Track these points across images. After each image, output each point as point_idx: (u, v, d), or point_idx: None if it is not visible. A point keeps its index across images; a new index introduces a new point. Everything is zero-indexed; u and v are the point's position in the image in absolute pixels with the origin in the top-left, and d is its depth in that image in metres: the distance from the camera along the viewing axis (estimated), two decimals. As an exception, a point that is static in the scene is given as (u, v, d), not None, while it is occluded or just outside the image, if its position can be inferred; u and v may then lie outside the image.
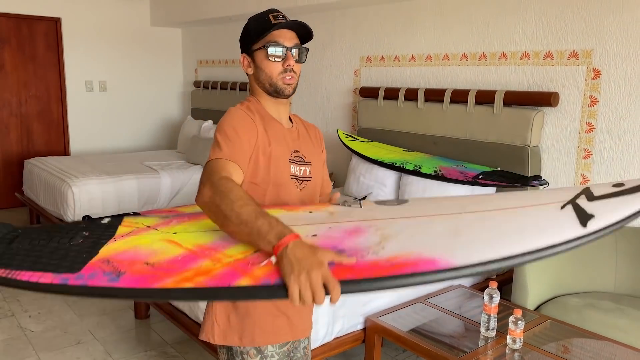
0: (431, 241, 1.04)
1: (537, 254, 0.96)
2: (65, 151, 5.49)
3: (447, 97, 3.28)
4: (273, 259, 1.03)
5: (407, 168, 3.14)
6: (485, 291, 2.12)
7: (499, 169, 2.98)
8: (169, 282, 1.00)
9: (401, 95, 3.55)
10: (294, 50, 1.43)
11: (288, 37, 1.42)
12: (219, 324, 1.42)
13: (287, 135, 1.48)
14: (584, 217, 1.03)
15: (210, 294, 1.01)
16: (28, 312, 3.25)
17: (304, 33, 1.46)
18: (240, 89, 5.02)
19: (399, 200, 1.33)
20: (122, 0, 5.58)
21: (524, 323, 2.02)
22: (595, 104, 2.78)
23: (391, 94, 3.64)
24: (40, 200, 4.39)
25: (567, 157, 2.92)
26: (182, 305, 2.52)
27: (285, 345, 1.45)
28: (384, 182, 3.34)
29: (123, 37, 5.66)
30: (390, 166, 3.25)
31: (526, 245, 0.97)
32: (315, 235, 1.12)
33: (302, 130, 1.57)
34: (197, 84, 5.74)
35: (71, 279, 1.04)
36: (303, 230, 1.12)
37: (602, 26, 2.72)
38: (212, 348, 2.44)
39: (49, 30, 5.26)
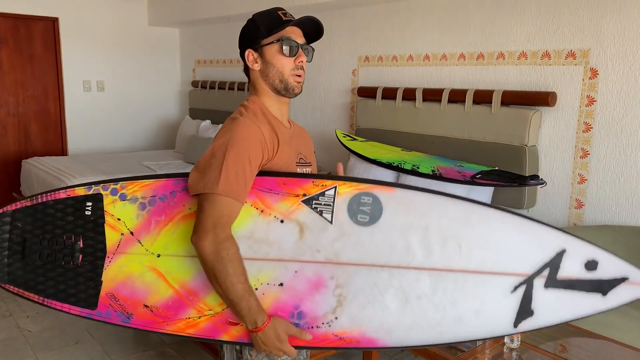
0: (377, 318, 1.27)
1: (456, 344, 1.18)
2: (63, 151, 5.48)
3: (444, 96, 3.29)
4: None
5: (405, 168, 3.14)
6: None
7: (496, 168, 2.99)
8: (169, 329, 1.36)
9: (399, 95, 3.55)
10: (304, 48, 1.43)
11: (298, 35, 1.43)
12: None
13: (291, 137, 1.47)
14: (522, 312, 1.20)
15: (202, 339, 1.38)
16: (26, 312, 3.24)
17: (312, 32, 1.46)
18: (238, 89, 5.01)
19: (373, 215, 1.29)
20: (119, 0, 5.57)
21: (521, 322, 2.03)
22: (593, 104, 2.79)
23: (389, 93, 3.64)
24: (38, 200, 4.37)
25: (564, 156, 2.93)
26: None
27: None
28: (382, 182, 3.34)
29: (121, 37, 5.65)
30: (388, 166, 3.25)
31: (451, 336, 1.25)
32: (281, 284, 1.30)
33: (298, 131, 1.57)
34: (195, 83, 5.74)
35: (94, 315, 1.40)
36: (272, 273, 1.31)
37: (599, 26, 2.73)
38: (212, 349, 2.44)
39: (46, 30, 5.25)
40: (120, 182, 1.41)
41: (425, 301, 1.25)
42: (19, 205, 1.45)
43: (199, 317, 1.34)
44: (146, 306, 1.37)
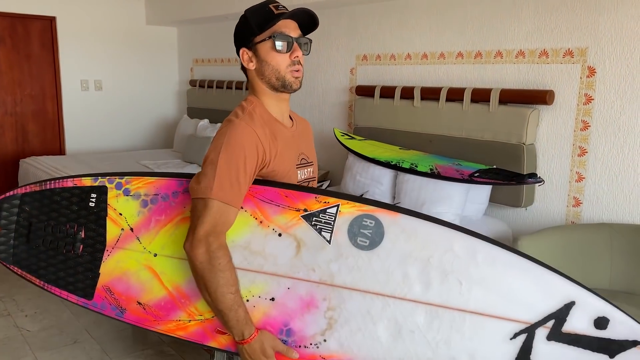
0: (366, 347, 1.23)
1: None
2: (60, 150, 5.47)
3: (443, 95, 3.29)
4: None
5: (403, 166, 3.14)
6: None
7: (494, 166, 2.99)
8: (160, 329, 1.38)
9: (397, 93, 3.55)
10: (300, 41, 1.35)
11: (293, 28, 1.34)
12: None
13: (291, 138, 1.42)
14: None
15: (191, 343, 1.38)
16: (24, 312, 3.24)
17: (307, 23, 1.38)
18: (236, 88, 5.01)
19: (373, 240, 1.25)
20: (117, -1, 5.57)
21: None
22: (590, 102, 2.79)
23: (387, 92, 3.64)
24: (36, 199, 4.37)
25: (562, 154, 2.93)
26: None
27: None
28: (380, 181, 3.34)
29: (118, 36, 5.64)
30: (386, 164, 3.25)
31: None
32: (273, 299, 1.28)
33: (300, 127, 1.52)
34: (193, 82, 5.73)
35: (90, 305, 1.43)
36: (265, 287, 1.29)
37: (596, 24, 2.74)
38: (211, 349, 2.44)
39: (44, 29, 5.24)
40: (126, 177, 1.41)
41: (418, 336, 1.19)
42: (28, 189, 1.48)
43: (189, 321, 1.35)
44: (139, 303, 1.38)
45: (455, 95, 3.24)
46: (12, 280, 3.57)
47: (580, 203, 2.89)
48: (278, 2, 1.36)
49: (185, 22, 5.58)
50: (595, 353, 1.09)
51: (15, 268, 1.47)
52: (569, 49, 2.85)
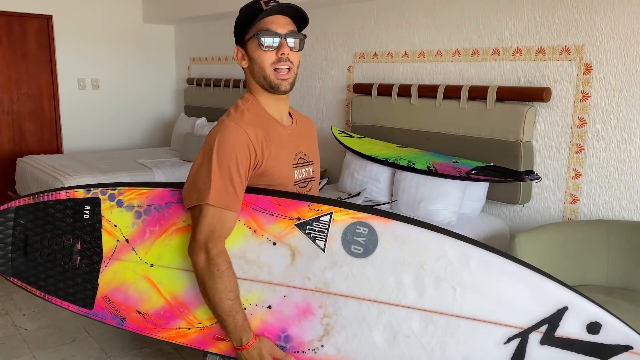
0: (363, 352, 1.24)
1: None
2: (58, 149, 5.46)
3: (440, 93, 3.29)
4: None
5: (400, 164, 3.15)
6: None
7: (492, 164, 3.00)
8: (160, 336, 1.39)
9: (394, 91, 3.55)
10: (288, 38, 1.30)
11: (282, 24, 1.30)
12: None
13: (289, 137, 1.40)
14: None
15: (192, 349, 1.39)
16: (22, 311, 3.24)
17: (299, 18, 1.33)
18: (233, 86, 5.01)
19: (367, 247, 1.25)
20: (114, -3, 5.55)
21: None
22: (587, 99, 2.80)
23: (384, 90, 3.64)
24: (33, 198, 4.36)
25: (559, 151, 2.94)
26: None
27: None
28: (377, 178, 3.35)
29: (115, 34, 5.63)
30: (384, 162, 3.26)
31: None
32: (270, 307, 1.30)
33: (301, 126, 1.49)
34: (190, 81, 5.72)
35: (90, 314, 1.45)
36: (261, 295, 1.30)
37: (593, 22, 2.74)
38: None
39: (40, 28, 5.22)
40: (118, 188, 1.42)
41: (413, 341, 1.21)
42: (22, 202, 1.47)
43: (189, 329, 1.36)
44: (139, 312, 1.40)
45: (452, 92, 3.25)
46: (9, 279, 3.56)
47: (577, 200, 2.90)
48: None
49: (182, 20, 5.57)
50: (588, 357, 1.12)
51: (15, 280, 1.48)
52: (565, 47, 2.85)
